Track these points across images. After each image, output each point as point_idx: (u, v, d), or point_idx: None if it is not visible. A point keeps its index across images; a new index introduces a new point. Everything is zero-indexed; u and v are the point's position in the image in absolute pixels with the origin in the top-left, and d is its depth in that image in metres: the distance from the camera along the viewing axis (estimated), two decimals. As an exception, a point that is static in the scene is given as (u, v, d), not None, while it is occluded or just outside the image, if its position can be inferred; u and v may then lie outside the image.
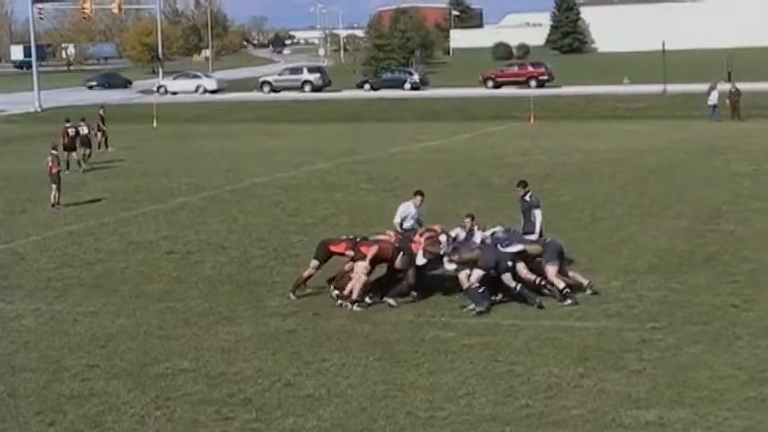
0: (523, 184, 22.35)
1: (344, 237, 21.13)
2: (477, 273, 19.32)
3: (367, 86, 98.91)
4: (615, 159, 41.57)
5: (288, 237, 25.54)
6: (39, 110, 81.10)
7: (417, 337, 17.46)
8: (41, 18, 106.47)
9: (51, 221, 29.92)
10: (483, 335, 17.45)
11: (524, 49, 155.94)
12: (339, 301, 19.66)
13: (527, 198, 22.06)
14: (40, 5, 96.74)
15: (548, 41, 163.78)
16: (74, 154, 42.03)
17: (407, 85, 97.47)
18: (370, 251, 19.78)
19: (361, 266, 19.67)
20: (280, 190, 35.23)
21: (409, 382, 15.20)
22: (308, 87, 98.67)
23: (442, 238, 20.44)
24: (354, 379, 15.42)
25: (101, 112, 51.18)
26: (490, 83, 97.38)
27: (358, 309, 19.26)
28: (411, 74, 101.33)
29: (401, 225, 21.64)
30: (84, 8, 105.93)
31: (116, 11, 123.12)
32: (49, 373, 16.00)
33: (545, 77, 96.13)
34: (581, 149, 45.78)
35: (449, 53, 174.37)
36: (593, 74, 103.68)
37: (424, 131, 56.63)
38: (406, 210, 21.86)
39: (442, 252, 20.15)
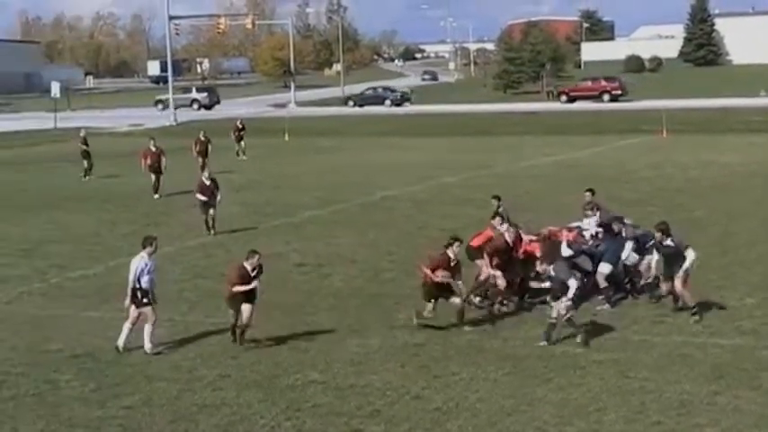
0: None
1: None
2: None
3: (351, 103, 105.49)
4: (749, 173, 40.73)
5: (417, 250, 25.54)
6: (174, 123, 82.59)
7: (547, 352, 17.35)
8: (177, 34, 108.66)
9: (184, 234, 30.39)
10: (613, 351, 17.27)
11: (656, 62, 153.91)
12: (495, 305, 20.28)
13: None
14: (177, 21, 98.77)
15: (681, 53, 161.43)
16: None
17: (388, 102, 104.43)
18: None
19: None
20: (408, 203, 35.33)
21: (538, 398, 15.11)
22: (195, 105, 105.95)
23: (587, 233, 21.17)
24: (483, 393, 15.38)
25: (238, 123, 54.43)
26: (564, 97, 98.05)
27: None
28: (393, 91, 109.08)
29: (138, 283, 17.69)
30: (218, 24, 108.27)
31: (249, 26, 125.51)
32: (181, 382, 16.31)
33: (618, 92, 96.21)
34: (714, 163, 44.97)
35: (580, 66, 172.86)
36: (727, 86, 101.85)
37: (553, 145, 56.24)
38: (138, 263, 17.80)
39: (586, 248, 20.83)
